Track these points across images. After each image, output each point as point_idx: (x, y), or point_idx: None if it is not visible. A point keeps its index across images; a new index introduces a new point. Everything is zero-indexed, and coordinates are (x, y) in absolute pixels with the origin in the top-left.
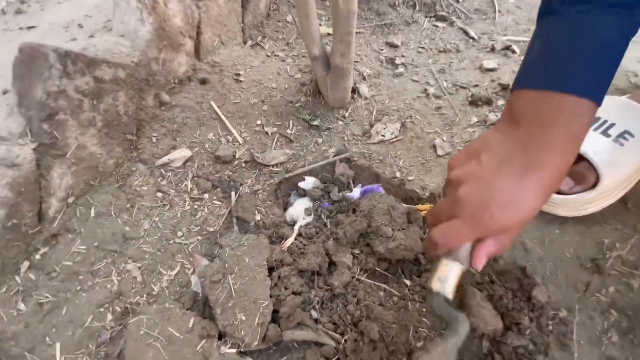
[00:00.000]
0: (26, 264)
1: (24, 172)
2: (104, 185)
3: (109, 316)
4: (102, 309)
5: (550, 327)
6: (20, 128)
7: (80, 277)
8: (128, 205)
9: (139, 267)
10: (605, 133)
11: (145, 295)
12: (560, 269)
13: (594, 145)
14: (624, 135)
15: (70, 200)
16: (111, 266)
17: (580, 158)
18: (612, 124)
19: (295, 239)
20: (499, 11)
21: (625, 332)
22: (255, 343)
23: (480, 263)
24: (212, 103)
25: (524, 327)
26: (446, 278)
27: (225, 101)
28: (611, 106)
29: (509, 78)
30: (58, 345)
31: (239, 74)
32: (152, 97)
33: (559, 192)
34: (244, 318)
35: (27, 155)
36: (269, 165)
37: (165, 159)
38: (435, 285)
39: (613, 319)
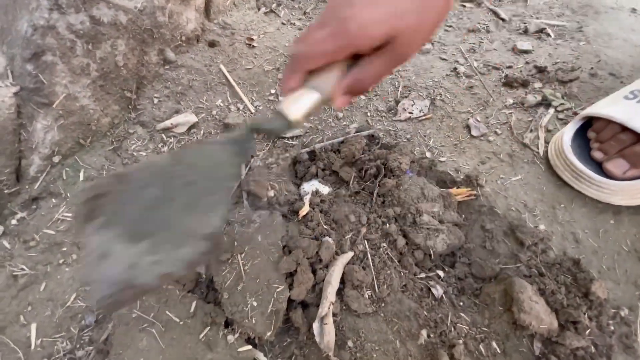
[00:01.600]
0: (0, 228)
1: (1, 119)
2: (96, 146)
3: None
4: (87, 287)
5: (612, 328)
6: (0, 68)
7: (64, 249)
8: None
9: None
10: None
11: None
12: (617, 263)
13: None
14: None
15: (56, 159)
16: None
17: (639, 138)
18: None
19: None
20: None
21: None
22: (269, 333)
23: (338, 95)
24: (222, 67)
25: (582, 327)
26: (298, 101)
27: (236, 66)
28: None
29: (545, 60)
30: (34, 326)
31: (252, 39)
32: (156, 52)
33: (612, 177)
34: (255, 304)
35: (5, 99)
36: (284, 138)
37: (167, 123)
38: (287, 105)
39: None
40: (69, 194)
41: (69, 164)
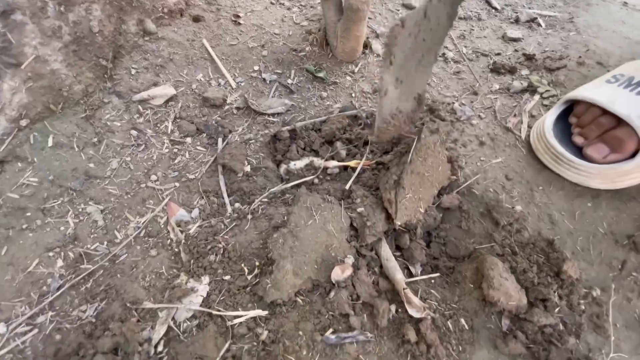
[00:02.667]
0: None
1: None
2: (68, 113)
3: (60, 262)
4: (51, 254)
5: (583, 307)
6: None
7: (28, 214)
8: (95, 140)
9: (101, 210)
10: None
11: (106, 243)
12: (592, 244)
13: (637, 110)
14: None
15: (24, 123)
16: (68, 206)
17: (620, 122)
18: None
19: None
20: None
21: None
22: None
23: None
24: (205, 42)
25: (552, 305)
26: None
27: (220, 42)
28: None
29: (534, 49)
30: None
31: (238, 16)
32: (135, 22)
33: (591, 161)
34: None
35: None
36: (265, 114)
37: (144, 94)
38: None
39: None
40: (35, 159)
41: (37, 129)
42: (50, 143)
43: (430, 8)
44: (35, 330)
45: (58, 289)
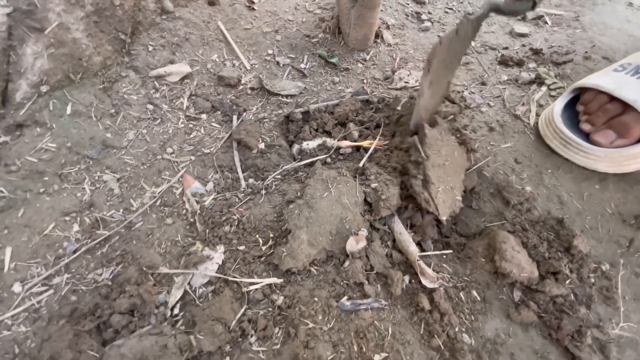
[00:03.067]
0: None
1: None
2: (86, 83)
3: (76, 227)
4: (67, 218)
5: (592, 280)
6: None
7: (46, 178)
8: (112, 111)
9: (117, 178)
10: None
11: (121, 210)
12: (601, 223)
13: None
14: None
15: (44, 89)
16: (84, 173)
17: (626, 108)
18: None
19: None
20: None
21: None
22: None
23: None
24: (220, 24)
25: (562, 277)
26: None
27: (235, 25)
28: None
29: (541, 44)
30: (9, 249)
31: (253, 2)
32: (154, 0)
33: (599, 146)
34: None
35: None
36: (279, 95)
37: (161, 71)
38: None
39: None
40: (54, 126)
41: (56, 96)
42: (68, 111)
43: (461, 27)
44: (51, 291)
45: (74, 252)
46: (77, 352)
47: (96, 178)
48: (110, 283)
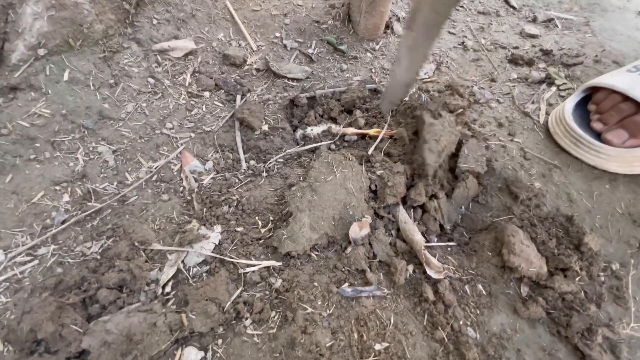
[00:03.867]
0: None
1: None
2: (86, 51)
3: (66, 197)
4: (58, 188)
5: (602, 279)
6: None
7: (37, 145)
8: (112, 82)
9: (113, 150)
10: None
11: (115, 183)
12: (611, 223)
13: None
14: None
15: (42, 52)
16: (78, 143)
17: (639, 109)
18: None
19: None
20: None
21: None
22: None
23: None
24: (228, 3)
25: (572, 274)
26: None
27: (243, 6)
28: None
29: (551, 45)
30: None
31: None
32: None
33: (610, 145)
34: None
35: None
36: (285, 77)
37: (165, 45)
38: None
39: None
40: (50, 91)
41: (54, 61)
42: (66, 77)
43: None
44: (36, 262)
45: (62, 222)
46: (60, 326)
47: (90, 149)
48: (99, 257)
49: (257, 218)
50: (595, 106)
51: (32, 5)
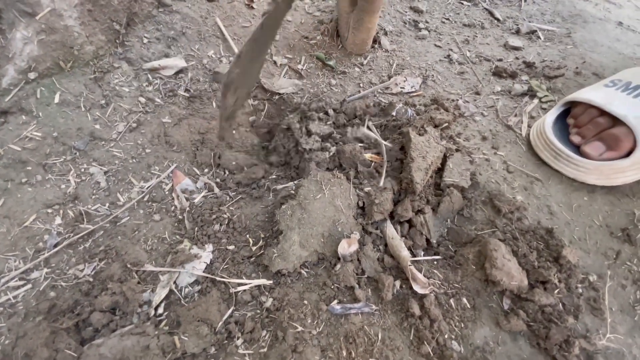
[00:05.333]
0: None
1: None
2: (77, 73)
3: (58, 220)
4: (50, 210)
5: (580, 290)
6: None
7: (29, 168)
8: (103, 102)
9: (104, 172)
10: None
11: (107, 204)
12: (589, 234)
13: (634, 111)
14: None
15: (32, 76)
16: (70, 164)
17: (616, 122)
18: None
19: None
20: (525, 0)
21: None
22: None
23: None
24: (218, 20)
25: (551, 287)
26: None
27: (233, 23)
28: None
29: (533, 58)
30: None
31: (252, 0)
32: None
33: (588, 158)
34: None
35: None
36: (276, 94)
37: (155, 64)
38: None
39: None
40: (41, 114)
41: (45, 84)
42: (56, 100)
43: (266, 23)
44: (29, 286)
45: (55, 246)
46: (54, 351)
47: (82, 170)
48: (91, 279)
49: (248, 236)
50: (573, 120)
51: (22, 30)
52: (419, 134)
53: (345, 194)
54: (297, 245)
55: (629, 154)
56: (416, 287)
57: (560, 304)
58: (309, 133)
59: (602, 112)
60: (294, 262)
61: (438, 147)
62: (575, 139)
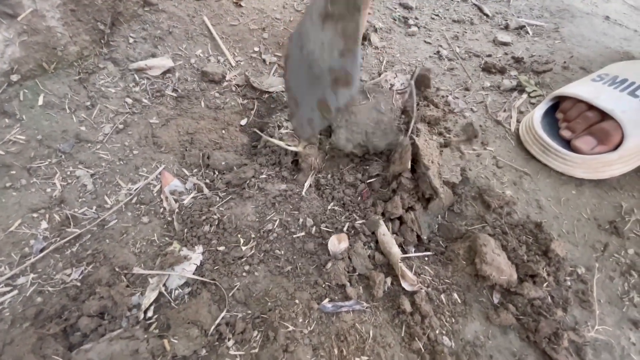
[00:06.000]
0: None
1: None
2: (61, 74)
3: (44, 224)
4: (35, 215)
5: (569, 283)
6: None
7: (13, 172)
8: (88, 104)
9: (91, 174)
10: (633, 94)
11: (95, 207)
12: (577, 228)
13: (621, 105)
14: None
15: (14, 78)
16: (55, 167)
17: (604, 116)
18: None
19: None
20: None
21: None
22: None
23: None
24: (206, 19)
25: (540, 280)
26: None
27: (221, 21)
28: (637, 69)
29: (522, 53)
30: None
31: None
32: None
33: (579, 152)
34: None
35: None
36: (266, 92)
37: (142, 64)
38: None
39: (634, 281)
40: (24, 117)
41: (28, 86)
42: (40, 102)
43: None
44: (15, 292)
45: (41, 250)
46: (41, 357)
47: (68, 173)
48: (79, 284)
49: (238, 236)
50: (562, 114)
51: (4, 32)
52: (417, 136)
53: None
54: None
55: (617, 147)
56: (405, 285)
57: (549, 297)
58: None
59: (590, 107)
60: None
61: (434, 144)
62: (566, 133)
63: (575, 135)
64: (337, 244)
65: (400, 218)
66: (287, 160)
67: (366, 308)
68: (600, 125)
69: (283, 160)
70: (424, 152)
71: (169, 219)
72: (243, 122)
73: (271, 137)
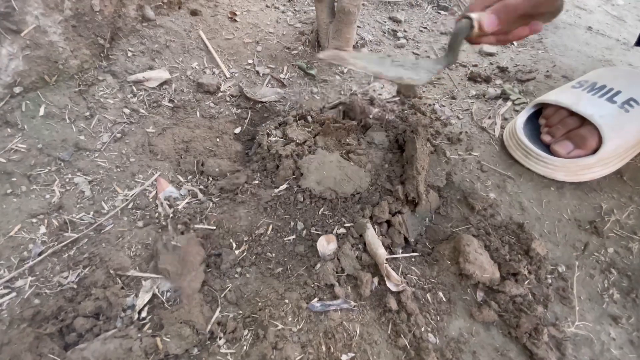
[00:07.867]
0: None
1: None
2: (62, 86)
3: (43, 229)
4: (34, 220)
5: (549, 281)
6: None
7: (14, 179)
8: (87, 114)
9: (89, 181)
10: (611, 100)
11: (92, 213)
12: (558, 228)
13: (599, 110)
14: (629, 102)
15: (17, 90)
16: (55, 175)
17: (584, 122)
18: (618, 92)
19: None
20: None
21: (626, 292)
22: None
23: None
24: (201, 33)
25: (522, 278)
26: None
27: (216, 35)
28: (616, 75)
29: (507, 63)
30: None
31: (235, 14)
32: (135, 7)
33: (557, 155)
34: None
35: None
36: (259, 102)
37: (139, 76)
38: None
39: (613, 278)
40: (26, 127)
41: (30, 98)
42: (41, 112)
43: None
44: (13, 294)
45: (39, 254)
46: (38, 356)
47: (67, 180)
48: (75, 286)
49: (231, 240)
50: (545, 120)
51: (8, 47)
52: (416, 137)
53: None
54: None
55: (595, 151)
56: (390, 285)
57: (530, 294)
58: (286, 137)
59: (571, 113)
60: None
61: (427, 151)
62: (546, 138)
63: (555, 139)
64: (326, 244)
65: (388, 221)
66: (272, 166)
67: (354, 307)
68: (577, 130)
69: (268, 166)
70: (420, 157)
71: (164, 223)
72: (237, 130)
73: (260, 145)
